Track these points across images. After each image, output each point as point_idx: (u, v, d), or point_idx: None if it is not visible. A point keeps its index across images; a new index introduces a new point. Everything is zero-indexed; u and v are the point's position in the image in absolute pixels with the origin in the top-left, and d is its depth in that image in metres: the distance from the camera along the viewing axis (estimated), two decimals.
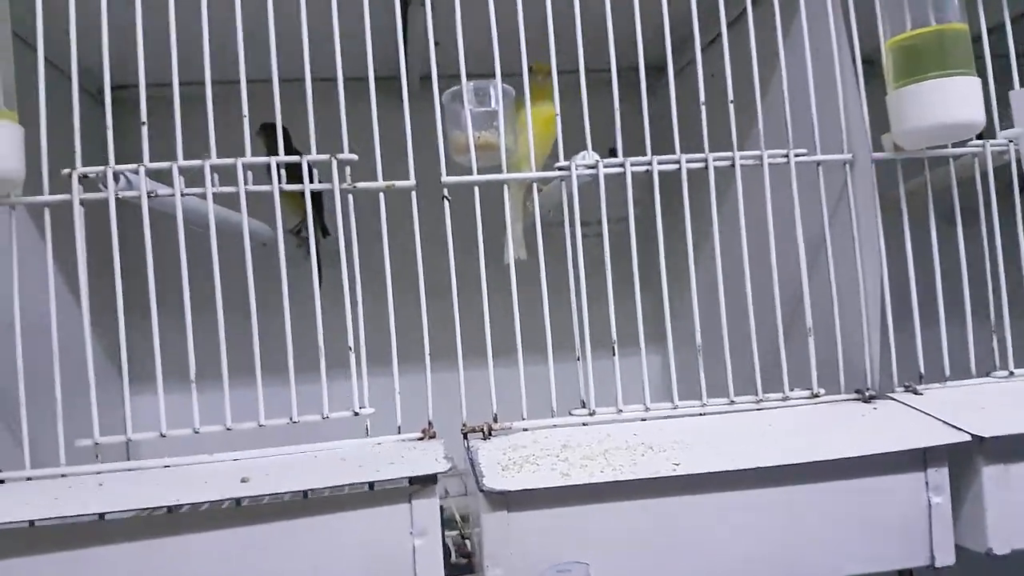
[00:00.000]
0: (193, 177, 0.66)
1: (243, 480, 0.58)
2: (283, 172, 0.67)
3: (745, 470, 0.57)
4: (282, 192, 0.67)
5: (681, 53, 0.76)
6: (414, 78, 0.99)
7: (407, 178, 0.69)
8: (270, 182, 0.66)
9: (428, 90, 0.70)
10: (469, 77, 0.70)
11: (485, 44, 0.69)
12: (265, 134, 0.85)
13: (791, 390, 0.71)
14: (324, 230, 0.92)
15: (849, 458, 0.59)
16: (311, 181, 0.67)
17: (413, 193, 0.69)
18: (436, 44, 0.69)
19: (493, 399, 0.68)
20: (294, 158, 0.67)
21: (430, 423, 0.68)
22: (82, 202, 0.65)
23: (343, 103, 0.68)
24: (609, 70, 0.71)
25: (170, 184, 0.66)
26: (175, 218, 0.65)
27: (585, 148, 0.71)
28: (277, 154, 0.67)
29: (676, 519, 0.58)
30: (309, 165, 0.67)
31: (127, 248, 0.66)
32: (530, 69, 0.73)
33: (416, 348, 0.68)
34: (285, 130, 0.68)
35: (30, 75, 0.64)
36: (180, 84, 0.65)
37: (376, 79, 0.69)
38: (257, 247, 0.69)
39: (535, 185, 0.76)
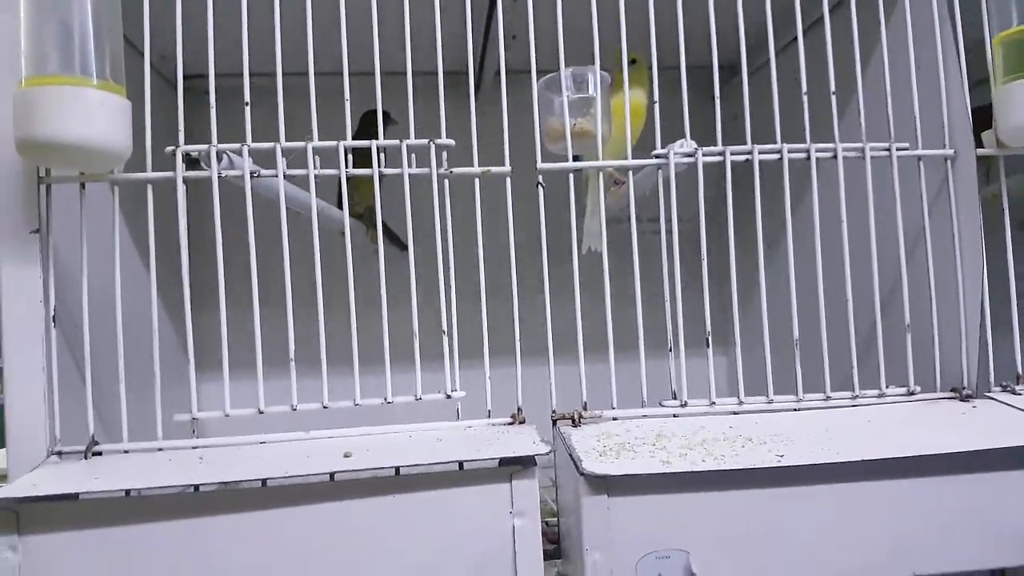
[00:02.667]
0: (292, 161, 0.67)
1: (345, 455, 0.58)
2: (383, 155, 0.67)
3: (850, 463, 0.56)
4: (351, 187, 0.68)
5: (759, 52, 0.75)
6: (489, 76, 1.00)
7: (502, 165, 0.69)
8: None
9: (517, 85, 0.71)
10: (564, 56, 0.70)
11: (570, 37, 0.69)
12: (367, 121, 0.86)
13: (887, 387, 0.69)
14: (400, 244, 0.92)
15: (956, 453, 0.58)
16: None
17: (508, 179, 0.69)
18: (513, 38, 0.69)
19: (583, 387, 0.68)
20: (393, 142, 0.67)
21: (519, 409, 0.68)
22: (184, 180, 0.66)
23: (443, 91, 0.68)
24: (699, 66, 0.70)
25: (269, 167, 0.66)
26: (268, 200, 0.66)
27: (675, 140, 0.71)
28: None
29: (778, 511, 0.57)
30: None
31: (206, 228, 0.67)
32: (631, 61, 0.72)
33: (506, 336, 0.68)
34: (387, 114, 0.68)
35: (131, 72, 0.65)
36: (283, 74, 0.66)
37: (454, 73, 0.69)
38: (338, 236, 0.70)
39: (625, 176, 0.76)
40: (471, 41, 0.70)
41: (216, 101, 0.67)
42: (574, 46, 0.70)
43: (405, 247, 0.69)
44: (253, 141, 0.66)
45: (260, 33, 0.66)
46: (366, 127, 0.86)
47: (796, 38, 0.71)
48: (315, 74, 0.67)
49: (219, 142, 0.66)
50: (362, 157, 0.67)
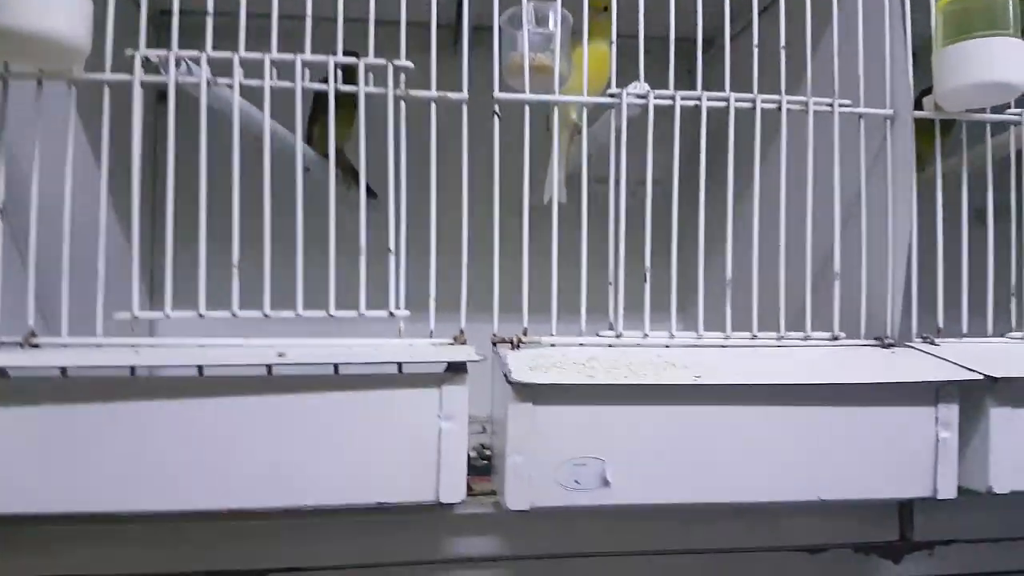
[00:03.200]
0: (249, 73, 0.68)
1: (279, 354, 0.60)
2: (339, 73, 0.68)
3: (764, 385, 0.59)
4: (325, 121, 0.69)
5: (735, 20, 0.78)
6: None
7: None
8: None
9: (481, 41, 0.72)
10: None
11: None
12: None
13: (813, 332, 0.72)
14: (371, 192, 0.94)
15: (864, 384, 0.60)
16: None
17: (464, 105, 0.70)
18: None
19: (525, 315, 0.70)
20: (351, 59, 0.69)
21: (461, 331, 0.70)
22: (142, 84, 0.67)
23: (404, 8, 0.69)
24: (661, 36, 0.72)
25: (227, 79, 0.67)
26: (223, 116, 0.67)
27: None
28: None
29: (693, 428, 0.60)
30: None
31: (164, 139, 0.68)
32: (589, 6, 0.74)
33: (454, 260, 0.70)
34: (355, 54, 0.69)
35: None
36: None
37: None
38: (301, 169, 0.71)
39: (583, 126, 0.78)
40: None
41: (180, 19, 0.67)
42: None
43: (375, 195, 0.70)
44: (240, 44, 0.67)
45: None
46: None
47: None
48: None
49: (209, 44, 0.67)
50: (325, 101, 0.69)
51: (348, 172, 0.96)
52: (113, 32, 0.66)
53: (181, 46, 0.67)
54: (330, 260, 0.68)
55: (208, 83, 0.67)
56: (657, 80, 0.73)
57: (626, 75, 0.73)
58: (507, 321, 0.70)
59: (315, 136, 1.01)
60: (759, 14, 0.75)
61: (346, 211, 0.70)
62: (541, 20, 0.74)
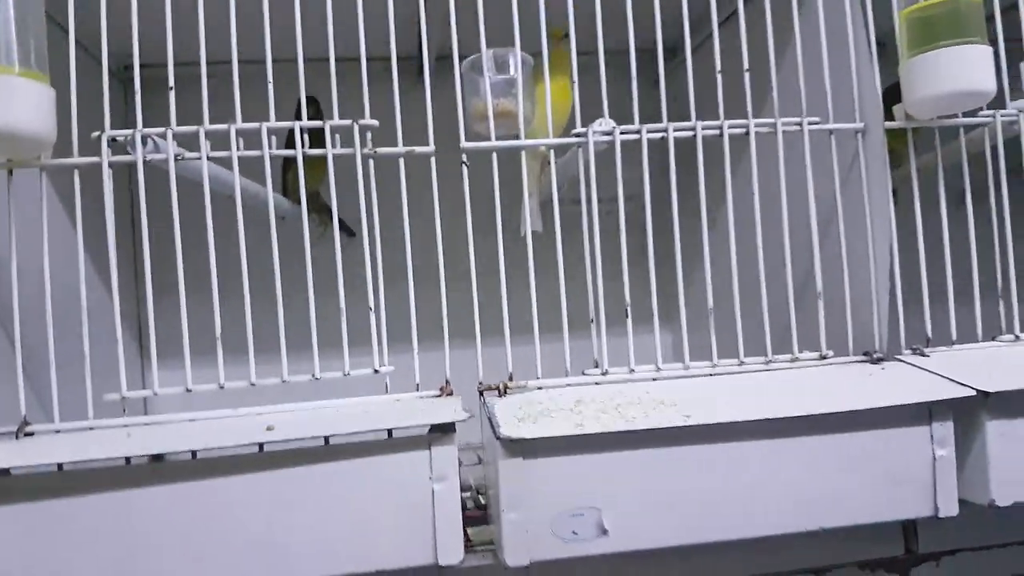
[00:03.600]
0: (217, 144, 0.68)
1: (268, 428, 0.60)
2: (307, 137, 0.69)
3: (755, 421, 0.59)
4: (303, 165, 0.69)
5: (696, 32, 0.77)
6: (431, 58, 1.01)
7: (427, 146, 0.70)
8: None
9: (445, 71, 0.72)
10: (485, 39, 0.72)
11: (502, 17, 0.70)
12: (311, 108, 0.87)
13: (800, 352, 0.72)
14: (348, 230, 0.94)
15: (857, 411, 0.60)
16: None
17: (432, 159, 0.70)
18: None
19: (509, 359, 0.70)
20: (317, 123, 0.69)
21: (447, 381, 0.70)
22: (111, 164, 0.67)
23: (365, 72, 0.70)
24: (623, 51, 0.72)
25: (195, 151, 0.68)
26: (197, 184, 0.67)
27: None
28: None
29: (687, 469, 0.59)
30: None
31: (139, 213, 0.68)
32: (549, 35, 0.74)
33: (434, 312, 0.70)
34: (316, 101, 0.69)
35: (56, 53, 0.65)
36: (207, 63, 0.67)
37: (396, 59, 0.70)
38: (276, 221, 0.71)
39: (551, 157, 0.78)
40: (394, 26, 0.71)
41: (143, 88, 0.68)
42: (499, 26, 0.71)
43: (353, 233, 0.70)
44: (179, 126, 0.67)
45: (186, 19, 0.67)
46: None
47: (710, 36, 0.74)
48: (239, 62, 0.68)
49: (147, 127, 0.67)
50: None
51: (324, 212, 0.97)
52: (77, 110, 0.66)
53: (146, 99, 0.67)
54: (311, 319, 0.68)
55: (176, 158, 0.67)
56: (622, 93, 0.73)
57: (590, 103, 0.73)
58: (491, 354, 0.70)
59: (288, 184, 1.01)
60: (719, 24, 0.74)
61: (326, 255, 0.70)
62: (501, 66, 0.74)
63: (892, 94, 0.75)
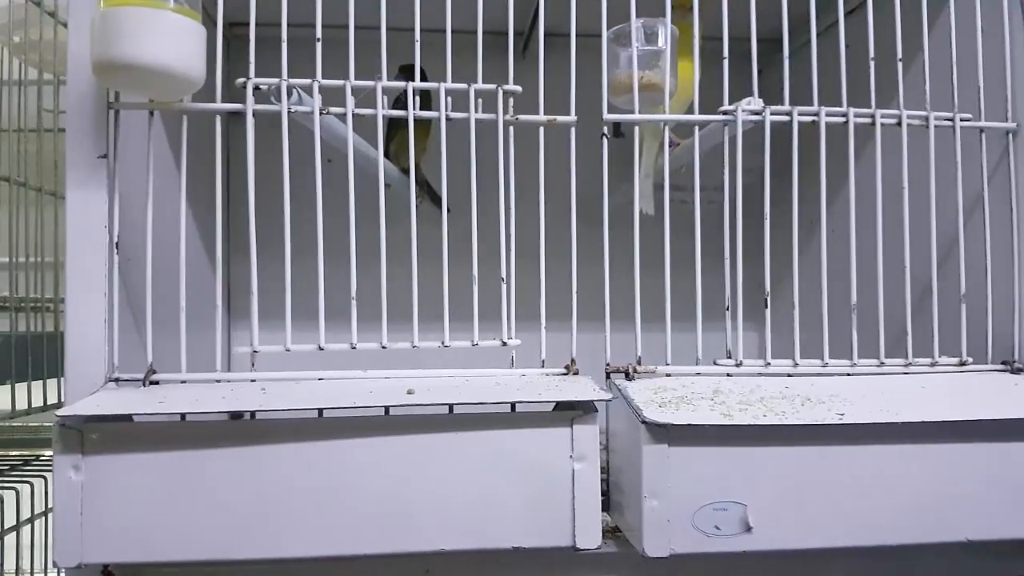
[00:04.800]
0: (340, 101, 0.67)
1: (409, 391, 0.59)
2: (450, 100, 0.67)
3: (907, 424, 0.57)
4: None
5: (825, 15, 0.75)
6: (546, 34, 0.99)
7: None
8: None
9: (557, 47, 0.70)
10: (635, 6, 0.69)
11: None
12: (404, 75, 0.86)
13: (939, 356, 0.70)
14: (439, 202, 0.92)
15: (1008, 420, 0.58)
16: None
17: (573, 129, 0.69)
18: None
19: (638, 341, 0.68)
20: (461, 86, 0.67)
21: (573, 360, 0.68)
22: (255, 113, 0.66)
23: (512, 31, 0.68)
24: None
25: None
26: (306, 142, 0.66)
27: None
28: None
29: (836, 468, 0.58)
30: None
31: (269, 167, 0.67)
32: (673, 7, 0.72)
33: (564, 292, 0.68)
34: (422, 70, 0.68)
35: None
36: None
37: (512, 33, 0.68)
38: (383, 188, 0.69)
39: (667, 140, 0.76)
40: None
41: (264, 47, 0.66)
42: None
43: (449, 209, 0.68)
44: (350, 73, 0.66)
45: None
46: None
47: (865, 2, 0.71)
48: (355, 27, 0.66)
49: (319, 72, 0.66)
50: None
51: (423, 186, 0.95)
52: (222, 60, 0.65)
53: (259, 56, 0.66)
54: (444, 292, 0.67)
55: (321, 111, 0.66)
56: (735, 83, 0.70)
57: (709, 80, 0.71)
58: (615, 337, 0.69)
59: (392, 152, 0.99)
60: (846, 16, 0.72)
61: (429, 226, 0.69)
62: (649, 36, 0.71)
63: None
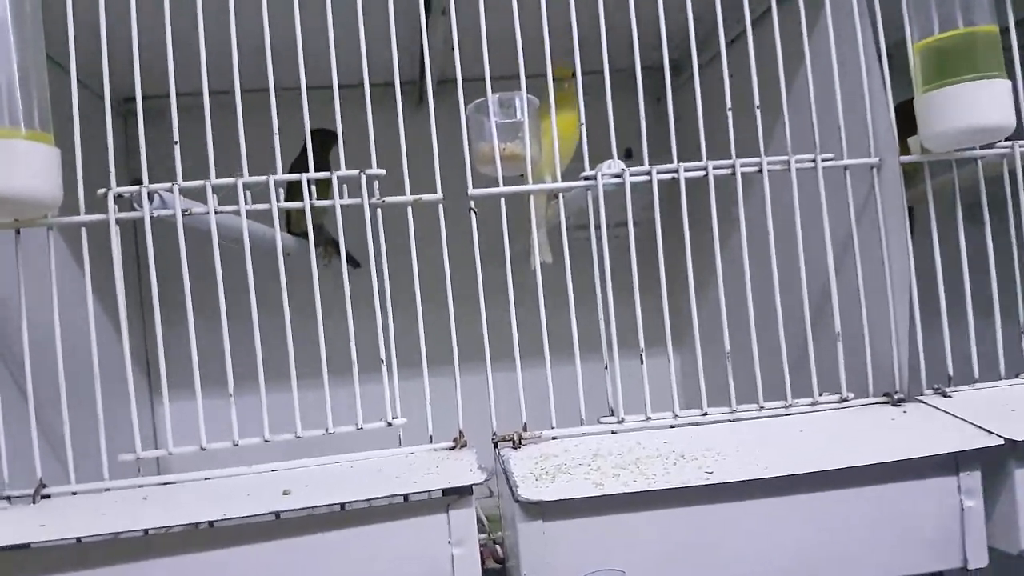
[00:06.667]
0: (224, 195, 0.67)
1: (285, 492, 0.59)
2: (314, 188, 0.68)
3: (778, 477, 0.58)
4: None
5: (701, 53, 0.76)
6: (433, 84, 1.00)
7: (433, 191, 0.70)
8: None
9: (448, 95, 0.71)
10: (490, 81, 0.71)
11: (504, 49, 0.69)
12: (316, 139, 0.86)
13: (820, 395, 0.71)
14: (353, 261, 0.93)
15: (878, 464, 0.59)
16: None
17: (440, 206, 0.70)
18: (453, 50, 0.69)
19: (523, 409, 0.69)
20: (324, 174, 0.68)
21: (461, 432, 0.69)
22: (118, 221, 0.66)
23: (371, 118, 0.69)
24: (628, 70, 0.71)
25: (201, 200, 0.67)
26: (203, 232, 0.67)
27: (608, 154, 0.71)
28: (327, 157, 0.70)
29: (710, 527, 0.59)
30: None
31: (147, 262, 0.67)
32: (554, 78, 0.74)
33: (445, 357, 0.69)
34: (329, 132, 0.69)
35: (58, 93, 0.65)
36: (209, 93, 0.67)
37: (396, 84, 0.70)
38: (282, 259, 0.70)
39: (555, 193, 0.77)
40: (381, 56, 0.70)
41: (148, 124, 0.67)
42: (506, 58, 0.70)
43: (358, 264, 0.69)
44: (186, 168, 0.67)
45: (187, 52, 0.66)
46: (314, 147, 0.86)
47: (719, 52, 0.73)
48: (242, 91, 0.67)
49: (158, 166, 0.66)
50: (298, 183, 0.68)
51: (330, 244, 0.96)
52: (84, 161, 0.65)
53: (149, 130, 0.67)
54: (324, 377, 0.67)
55: (184, 213, 0.66)
56: (625, 111, 0.72)
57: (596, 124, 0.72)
58: (503, 390, 0.69)
59: (292, 218, 1.00)
60: (727, 46, 0.74)
61: (331, 285, 0.69)
62: (507, 108, 0.73)
63: (903, 112, 0.74)
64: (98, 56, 0.66)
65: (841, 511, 0.60)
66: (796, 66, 0.75)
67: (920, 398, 0.70)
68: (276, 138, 0.68)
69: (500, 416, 0.69)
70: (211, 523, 0.58)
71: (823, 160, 0.72)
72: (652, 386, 0.69)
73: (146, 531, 0.58)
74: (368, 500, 0.57)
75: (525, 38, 0.70)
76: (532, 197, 0.83)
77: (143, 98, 0.66)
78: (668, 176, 0.70)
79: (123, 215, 0.66)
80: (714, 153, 0.72)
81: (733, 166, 0.71)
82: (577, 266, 0.71)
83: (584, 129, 0.71)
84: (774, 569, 0.59)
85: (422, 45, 0.72)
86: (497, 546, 0.70)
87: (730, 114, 0.72)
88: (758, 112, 0.73)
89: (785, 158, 0.72)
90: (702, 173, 0.70)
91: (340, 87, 0.68)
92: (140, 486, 0.65)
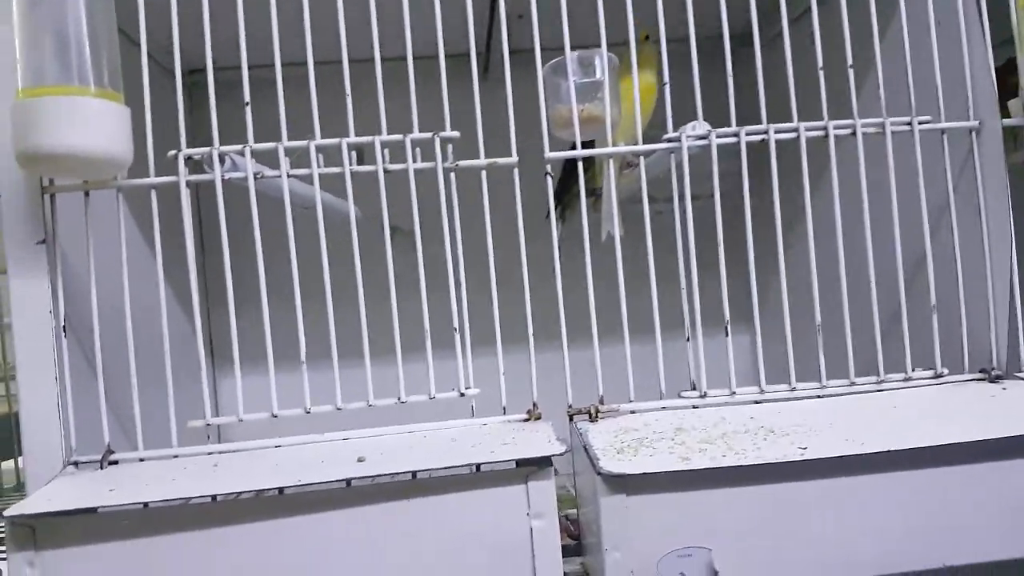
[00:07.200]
0: (296, 159, 0.66)
1: (360, 460, 0.57)
2: (387, 152, 0.66)
3: (876, 454, 0.55)
4: None
5: (772, 22, 0.73)
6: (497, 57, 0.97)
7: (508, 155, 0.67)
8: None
9: (514, 67, 0.68)
10: (556, 50, 0.68)
11: (575, 14, 0.67)
12: None
13: (912, 370, 0.67)
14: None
15: (986, 441, 0.56)
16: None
17: (515, 170, 0.67)
18: (519, 17, 0.67)
19: (599, 381, 0.67)
20: (397, 137, 0.66)
21: (535, 404, 0.67)
22: (188, 184, 0.65)
23: (445, 82, 0.66)
24: (712, 37, 0.68)
25: (266, 166, 0.65)
26: (268, 198, 0.65)
27: (688, 120, 0.69)
28: None
29: (803, 505, 0.56)
30: None
31: (216, 229, 0.66)
32: (644, 38, 0.71)
33: (519, 329, 0.67)
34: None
35: (127, 59, 0.64)
36: (282, 65, 0.65)
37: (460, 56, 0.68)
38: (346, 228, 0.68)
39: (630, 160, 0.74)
40: (472, 24, 0.67)
41: (217, 95, 0.65)
42: (580, 25, 0.67)
43: (399, 229, 0.67)
44: (256, 136, 0.65)
45: (257, 23, 0.64)
46: None
47: (810, 8, 0.69)
48: (315, 63, 0.65)
49: (223, 138, 0.65)
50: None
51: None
52: (152, 128, 0.64)
53: (219, 101, 0.65)
54: (396, 346, 0.66)
55: (256, 176, 0.65)
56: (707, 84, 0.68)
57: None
58: (577, 366, 0.67)
59: None
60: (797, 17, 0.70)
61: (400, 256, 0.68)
62: (586, 67, 0.70)
63: (1002, 74, 0.69)
64: (162, 26, 0.64)
65: (943, 490, 0.57)
66: (887, 25, 0.71)
67: (1019, 375, 0.66)
68: (348, 99, 0.66)
69: (575, 388, 0.67)
70: (281, 490, 0.57)
71: (920, 123, 0.68)
72: (736, 358, 0.67)
73: (214, 497, 0.57)
74: (447, 469, 0.55)
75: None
76: (606, 164, 0.80)
77: (213, 68, 0.65)
78: (758, 138, 0.66)
79: (193, 177, 0.65)
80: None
81: (825, 128, 0.67)
82: (659, 239, 0.68)
83: (668, 91, 0.67)
84: (870, 550, 0.56)
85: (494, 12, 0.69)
86: (570, 522, 0.68)
87: (821, 74, 0.68)
88: (851, 72, 0.69)
89: (880, 120, 0.68)
90: (793, 135, 0.67)
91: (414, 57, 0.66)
92: (209, 453, 0.64)
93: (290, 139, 0.65)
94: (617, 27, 0.68)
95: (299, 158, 0.65)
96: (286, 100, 0.65)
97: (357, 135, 0.66)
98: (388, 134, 0.66)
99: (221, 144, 0.65)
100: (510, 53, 0.67)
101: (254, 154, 0.65)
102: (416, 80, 0.66)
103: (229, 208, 0.65)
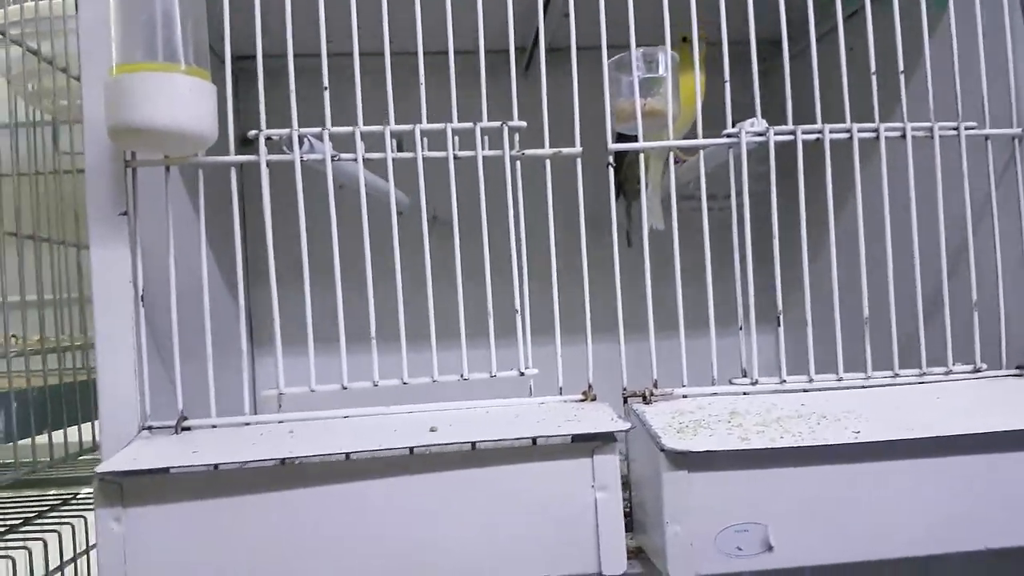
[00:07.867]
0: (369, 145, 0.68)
1: (432, 429, 0.60)
2: (457, 139, 0.68)
3: (925, 439, 0.58)
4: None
5: (821, 25, 0.75)
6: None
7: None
8: None
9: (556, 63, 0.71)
10: (634, 35, 0.70)
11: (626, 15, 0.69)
12: None
13: (952, 364, 0.70)
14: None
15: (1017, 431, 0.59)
16: None
17: (579, 160, 0.70)
18: (564, 16, 0.69)
19: (654, 365, 0.70)
20: (467, 125, 0.68)
21: (590, 386, 0.70)
22: (268, 164, 0.67)
23: (514, 70, 0.69)
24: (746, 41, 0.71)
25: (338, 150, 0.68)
26: (315, 179, 0.68)
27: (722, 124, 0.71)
28: None
29: (854, 486, 0.59)
30: None
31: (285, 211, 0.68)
32: (683, 39, 0.74)
33: (577, 313, 0.69)
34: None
35: None
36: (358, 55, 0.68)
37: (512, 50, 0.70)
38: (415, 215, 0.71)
39: (672, 156, 0.77)
40: (542, 18, 0.70)
41: (265, 83, 0.68)
42: (623, 23, 0.70)
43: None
44: (302, 122, 0.68)
45: (303, 18, 0.67)
46: None
47: (863, 7, 0.72)
48: (376, 53, 0.68)
49: (270, 123, 0.68)
50: None
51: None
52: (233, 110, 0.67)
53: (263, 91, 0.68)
54: (460, 324, 0.68)
55: (333, 159, 0.68)
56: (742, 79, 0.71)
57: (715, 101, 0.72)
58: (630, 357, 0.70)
59: None
60: (845, 19, 0.73)
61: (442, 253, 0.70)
62: (649, 63, 0.72)
63: None
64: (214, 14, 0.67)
65: (987, 475, 0.60)
66: (936, 29, 0.74)
67: None
68: (422, 87, 0.68)
69: (627, 376, 0.70)
70: (348, 455, 0.59)
71: (966, 128, 0.71)
72: (774, 351, 0.69)
73: (283, 460, 0.59)
74: (521, 439, 0.58)
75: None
76: (649, 160, 0.83)
77: (261, 56, 0.67)
78: (813, 137, 0.69)
79: (274, 157, 0.67)
80: (836, 120, 0.71)
81: (877, 130, 0.70)
82: (682, 238, 0.70)
83: (728, 87, 0.70)
84: (917, 531, 0.59)
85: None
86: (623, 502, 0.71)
87: (874, 78, 0.71)
88: (902, 77, 0.72)
89: (928, 124, 0.71)
90: (846, 135, 0.69)
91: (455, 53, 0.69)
92: (280, 422, 0.67)
93: (334, 125, 0.68)
94: (657, 27, 0.71)
95: (374, 143, 0.68)
96: (347, 88, 0.68)
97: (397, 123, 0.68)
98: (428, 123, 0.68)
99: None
100: (551, 51, 0.69)
101: (331, 137, 0.68)
102: (460, 72, 0.69)
103: (274, 189, 0.68)
